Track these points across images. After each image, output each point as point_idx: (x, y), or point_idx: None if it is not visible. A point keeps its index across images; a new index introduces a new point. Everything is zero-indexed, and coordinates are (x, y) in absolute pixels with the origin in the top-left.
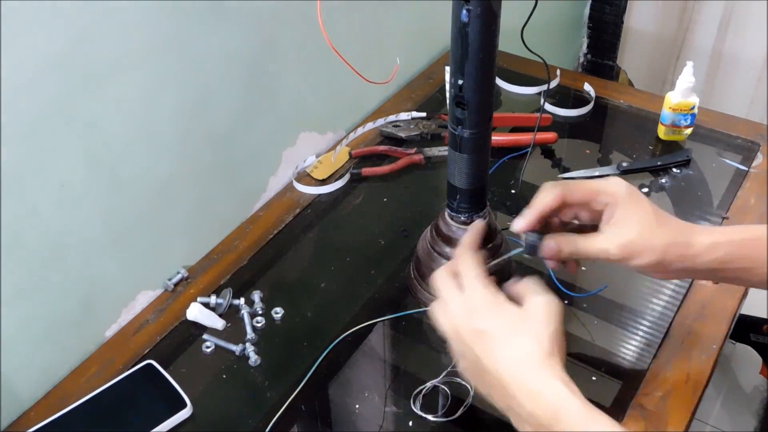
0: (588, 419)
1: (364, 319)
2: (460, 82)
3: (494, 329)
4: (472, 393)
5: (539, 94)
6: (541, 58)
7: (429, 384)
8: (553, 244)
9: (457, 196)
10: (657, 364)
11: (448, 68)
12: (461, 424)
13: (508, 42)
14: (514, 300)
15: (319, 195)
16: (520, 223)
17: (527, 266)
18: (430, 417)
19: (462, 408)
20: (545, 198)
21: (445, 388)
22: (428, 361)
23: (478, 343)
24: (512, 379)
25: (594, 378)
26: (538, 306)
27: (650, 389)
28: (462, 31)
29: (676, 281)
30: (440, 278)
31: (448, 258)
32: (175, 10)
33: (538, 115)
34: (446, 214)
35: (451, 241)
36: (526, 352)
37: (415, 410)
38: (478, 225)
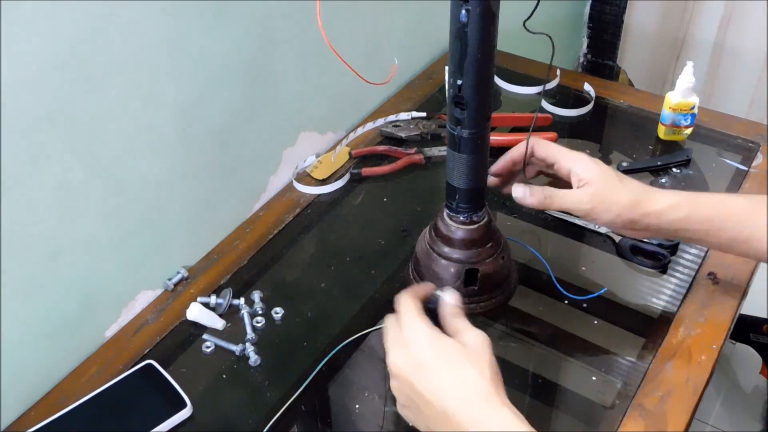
0: None
1: (365, 319)
2: (459, 82)
3: (434, 360)
4: None
5: (539, 94)
6: (548, 37)
7: None
8: (527, 193)
9: (456, 196)
10: (657, 364)
11: (448, 68)
12: None
13: (508, 42)
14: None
15: (319, 195)
16: (493, 168)
17: (529, 267)
18: None
19: None
20: (517, 150)
21: None
22: None
23: (418, 375)
24: (457, 406)
25: (594, 378)
26: (475, 339)
27: (650, 389)
28: (461, 31)
29: (675, 281)
30: (386, 321)
31: (447, 258)
32: (175, 10)
33: (538, 115)
34: (445, 214)
35: (450, 241)
36: (469, 380)
37: None
38: (423, 286)
